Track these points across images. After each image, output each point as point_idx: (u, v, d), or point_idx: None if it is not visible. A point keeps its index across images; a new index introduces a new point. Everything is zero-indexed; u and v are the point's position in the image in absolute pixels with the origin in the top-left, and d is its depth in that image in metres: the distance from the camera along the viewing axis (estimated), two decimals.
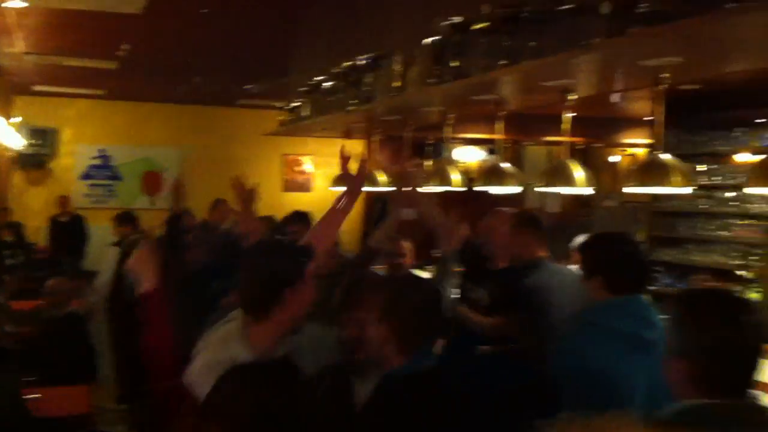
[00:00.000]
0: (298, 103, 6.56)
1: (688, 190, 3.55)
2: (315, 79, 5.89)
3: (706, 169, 7.27)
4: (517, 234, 4.12)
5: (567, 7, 3.14)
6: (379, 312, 2.30)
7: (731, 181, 6.88)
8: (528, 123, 8.20)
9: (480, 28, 3.67)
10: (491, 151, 10.68)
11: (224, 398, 1.64)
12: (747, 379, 1.80)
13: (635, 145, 9.65)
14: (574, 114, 8.63)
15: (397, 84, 4.66)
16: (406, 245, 5.13)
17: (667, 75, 3.34)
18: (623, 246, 2.78)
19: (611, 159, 10.46)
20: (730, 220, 7.09)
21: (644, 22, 2.69)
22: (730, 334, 1.78)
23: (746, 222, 6.93)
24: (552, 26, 3.28)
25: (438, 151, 6.22)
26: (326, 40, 6.29)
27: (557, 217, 10.35)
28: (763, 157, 3.04)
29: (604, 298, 2.60)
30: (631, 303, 2.58)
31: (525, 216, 4.37)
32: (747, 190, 3.15)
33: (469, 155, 10.74)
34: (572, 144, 9.70)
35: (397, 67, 4.65)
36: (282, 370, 1.73)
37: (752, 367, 1.81)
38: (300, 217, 5.24)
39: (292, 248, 2.66)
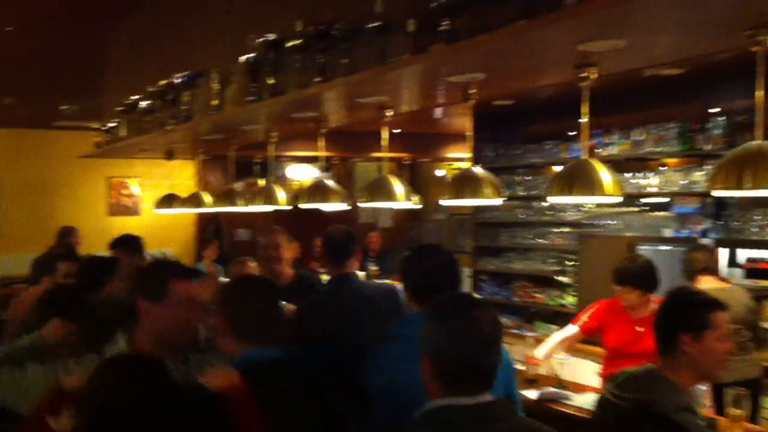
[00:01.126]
0: (115, 124, 6.31)
1: (498, 201, 3.69)
2: (131, 98, 5.68)
3: (522, 180, 7.63)
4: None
5: (375, 24, 3.20)
6: (217, 304, 2.58)
7: (545, 192, 7.24)
8: (357, 139, 8.33)
9: (294, 45, 3.67)
10: (326, 169, 10.78)
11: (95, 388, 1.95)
12: (485, 376, 1.88)
13: (459, 159, 10.02)
14: (399, 130, 8.81)
15: (215, 102, 4.58)
16: (252, 265, 5.12)
17: (474, 91, 3.47)
18: (429, 258, 2.83)
19: (438, 173, 10.80)
20: (547, 229, 7.47)
21: (446, 40, 2.79)
22: (464, 333, 1.86)
23: (561, 230, 7.33)
24: (362, 43, 3.33)
25: (271, 169, 6.16)
26: (141, 58, 6.10)
27: (389, 232, 10.55)
28: (560, 168, 3.22)
29: (413, 310, 2.66)
30: None
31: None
32: (550, 200, 3.31)
33: (302, 173, 10.76)
34: (400, 159, 9.99)
35: (214, 85, 4.57)
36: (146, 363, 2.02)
37: (489, 364, 1.89)
38: (125, 242, 5.06)
39: (158, 265, 2.82)
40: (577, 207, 7.01)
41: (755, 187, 2.92)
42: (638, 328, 4.35)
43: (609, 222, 6.66)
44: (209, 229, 10.43)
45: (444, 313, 1.93)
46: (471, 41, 2.59)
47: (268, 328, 2.53)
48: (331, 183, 4.77)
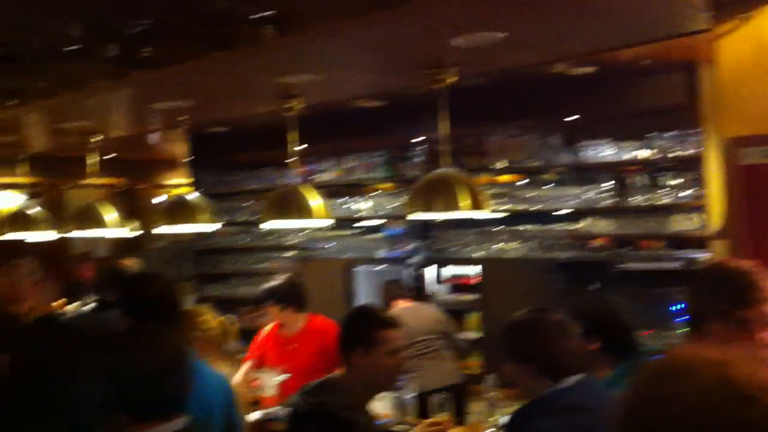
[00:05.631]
0: None
1: (215, 227, 3.71)
2: None
3: (242, 206, 7.66)
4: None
5: (73, 48, 3.07)
6: None
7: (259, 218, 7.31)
8: (67, 165, 7.86)
9: None
10: (34, 196, 10.00)
11: None
12: (173, 402, 1.98)
13: (179, 185, 9.82)
14: (114, 156, 8.47)
15: None
16: None
17: (183, 118, 3.46)
18: (144, 287, 2.82)
19: (156, 200, 10.49)
20: (268, 253, 7.55)
21: (147, 66, 2.76)
22: (149, 362, 1.95)
23: (282, 254, 7.45)
24: (60, 67, 3.18)
25: None
26: None
27: (105, 262, 10.05)
28: (270, 194, 3.32)
29: None
30: None
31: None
32: (263, 225, 3.38)
33: (5, 201, 9.91)
34: (114, 186, 9.58)
35: None
36: None
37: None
38: None
39: None
40: (296, 231, 7.18)
41: (444, 210, 3.21)
42: (290, 347, 4.39)
43: (327, 245, 6.91)
44: None
45: (127, 345, 2.01)
46: (171, 69, 2.60)
47: None
48: (34, 211, 4.49)
